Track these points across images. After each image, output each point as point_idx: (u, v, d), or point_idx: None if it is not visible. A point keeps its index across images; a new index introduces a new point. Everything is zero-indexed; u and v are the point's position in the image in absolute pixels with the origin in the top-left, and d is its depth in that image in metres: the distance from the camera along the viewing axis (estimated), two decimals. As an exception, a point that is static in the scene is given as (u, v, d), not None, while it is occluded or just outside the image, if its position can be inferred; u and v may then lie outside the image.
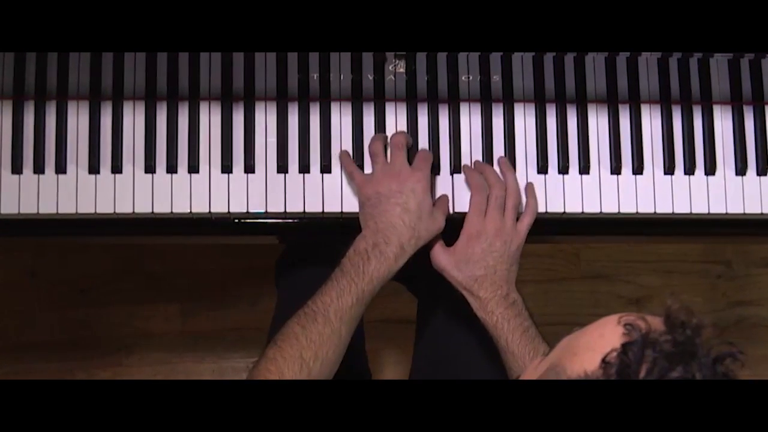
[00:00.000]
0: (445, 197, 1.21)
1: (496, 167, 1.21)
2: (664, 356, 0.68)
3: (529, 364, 1.10)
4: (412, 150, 1.21)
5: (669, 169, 1.24)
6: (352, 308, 1.10)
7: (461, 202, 1.21)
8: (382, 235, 1.13)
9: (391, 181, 1.15)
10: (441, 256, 1.19)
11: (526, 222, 1.19)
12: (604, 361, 0.69)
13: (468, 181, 1.21)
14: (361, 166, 1.21)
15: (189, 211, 1.19)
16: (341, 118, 1.22)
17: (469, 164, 1.22)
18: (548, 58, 1.25)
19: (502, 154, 1.23)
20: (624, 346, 0.69)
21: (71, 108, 1.19)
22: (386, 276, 1.13)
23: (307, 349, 1.06)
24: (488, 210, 1.18)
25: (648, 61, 1.26)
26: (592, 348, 0.71)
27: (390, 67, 1.23)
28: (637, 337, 0.69)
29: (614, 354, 0.69)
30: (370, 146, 1.20)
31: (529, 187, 1.22)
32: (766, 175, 1.25)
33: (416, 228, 1.14)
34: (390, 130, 1.22)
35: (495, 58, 1.24)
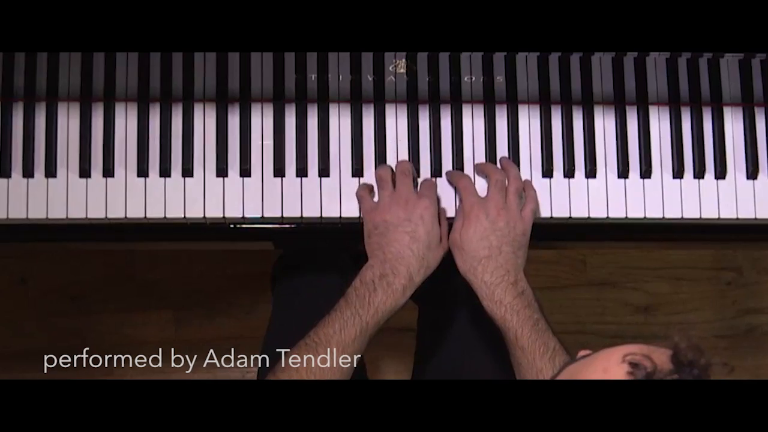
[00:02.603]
0: (444, 221, 1.19)
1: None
2: None
3: (539, 360, 1.10)
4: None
5: (678, 173, 1.23)
6: (355, 341, 1.09)
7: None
8: (390, 266, 1.13)
9: (398, 208, 1.15)
10: (453, 234, 1.17)
11: (529, 208, 1.18)
12: None
13: (449, 179, 1.21)
14: (360, 169, 1.20)
15: (183, 216, 1.18)
16: (340, 120, 1.22)
17: (471, 169, 1.22)
18: (553, 58, 1.25)
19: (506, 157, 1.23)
20: None
21: (61, 110, 1.19)
22: (393, 309, 1.12)
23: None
24: (489, 192, 1.18)
25: (656, 62, 1.25)
26: None
27: (390, 68, 1.23)
28: (641, 378, 0.68)
29: None
30: (377, 172, 1.20)
31: (526, 181, 1.21)
32: (778, 178, 1.25)
33: (425, 257, 1.14)
34: (390, 133, 1.22)
35: (498, 58, 1.24)
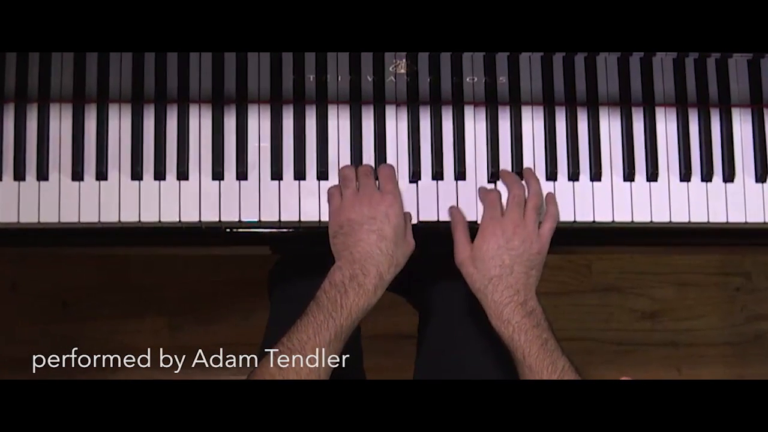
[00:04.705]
0: (408, 215, 1.20)
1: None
2: None
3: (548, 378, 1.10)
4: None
5: (685, 176, 1.23)
6: (330, 344, 1.09)
7: (464, 209, 1.21)
8: (360, 266, 1.12)
9: (363, 207, 1.15)
10: (462, 250, 1.17)
11: (547, 226, 1.18)
12: None
13: (481, 196, 1.21)
14: (360, 170, 1.20)
15: (178, 219, 1.18)
16: (339, 122, 1.22)
17: (473, 173, 1.22)
18: (557, 58, 1.25)
19: (509, 160, 1.23)
20: None
21: (54, 111, 1.19)
22: (366, 309, 1.12)
23: None
24: (507, 208, 1.18)
25: (663, 62, 1.25)
26: None
27: (390, 68, 1.23)
28: None
29: None
30: (341, 171, 1.20)
31: (549, 195, 1.21)
32: (787, 182, 1.25)
33: (394, 255, 1.14)
34: (390, 135, 1.22)
35: (501, 58, 1.24)
